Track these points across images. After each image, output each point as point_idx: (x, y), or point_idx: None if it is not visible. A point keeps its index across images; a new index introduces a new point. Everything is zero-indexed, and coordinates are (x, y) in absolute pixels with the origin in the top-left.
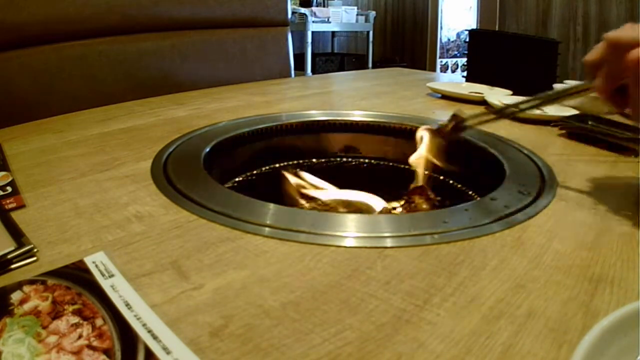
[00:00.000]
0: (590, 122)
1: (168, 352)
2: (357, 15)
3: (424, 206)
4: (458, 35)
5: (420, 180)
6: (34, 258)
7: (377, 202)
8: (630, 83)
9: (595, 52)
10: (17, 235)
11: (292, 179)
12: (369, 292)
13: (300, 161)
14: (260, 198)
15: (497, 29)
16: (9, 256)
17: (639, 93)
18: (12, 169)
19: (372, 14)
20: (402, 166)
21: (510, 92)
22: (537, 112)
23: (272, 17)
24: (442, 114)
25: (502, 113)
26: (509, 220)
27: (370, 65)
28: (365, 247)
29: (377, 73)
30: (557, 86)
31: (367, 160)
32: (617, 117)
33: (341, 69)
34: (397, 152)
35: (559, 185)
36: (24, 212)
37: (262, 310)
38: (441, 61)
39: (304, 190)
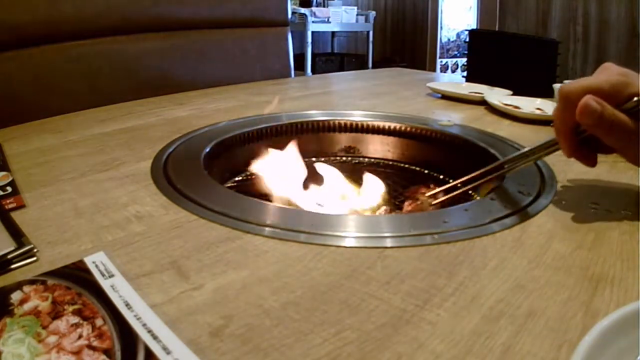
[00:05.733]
0: None
1: (168, 352)
2: (357, 15)
3: (430, 204)
4: (458, 35)
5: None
6: (34, 258)
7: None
8: (600, 135)
9: (555, 110)
10: (17, 235)
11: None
12: (369, 292)
13: None
14: (260, 198)
15: (497, 29)
16: (9, 256)
17: (615, 140)
18: (12, 169)
19: (372, 14)
20: (402, 166)
21: (510, 92)
22: (537, 112)
23: (272, 17)
24: (442, 114)
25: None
26: (509, 220)
27: (370, 65)
28: (365, 247)
29: (377, 73)
30: (557, 86)
31: (367, 160)
32: None
33: (341, 69)
34: (397, 152)
35: (559, 185)
36: (24, 212)
37: (262, 310)
38: (441, 61)
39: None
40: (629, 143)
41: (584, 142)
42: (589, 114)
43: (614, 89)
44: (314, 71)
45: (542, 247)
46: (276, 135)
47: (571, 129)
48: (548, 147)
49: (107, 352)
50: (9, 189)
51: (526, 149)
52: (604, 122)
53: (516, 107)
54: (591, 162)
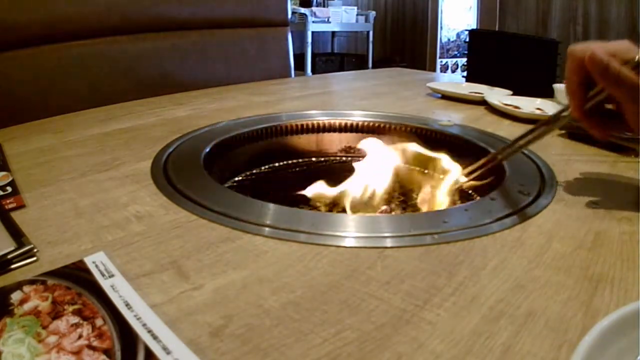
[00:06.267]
0: None
1: (168, 352)
2: (357, 15)
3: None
4: (458, 35)
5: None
6: (34, 258)
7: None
8: (607, 87)
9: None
10: (17, 235)
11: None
12: (369, 292)
13: (300, 161)
14: (260, 198)
15: (497, 29)
16: (9, 256)
17: (621, 93)
18: (12, 169)
19: (372, 14)
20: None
21: (510, 92)
22: (537, 112)
23: (272, 17)
24: (442, 114)
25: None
26: (509, 220)
27: (370, 65)
28: (365, 247)
29: (377, 73)
30: (557, 86)
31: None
32: None
33: (341, 69)
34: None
35: (559, 185)
36: (24, 212)
37: (262, 310)
38: (441, 61)
39: None
40: (633, 97)
41: (596, 113)
42: (597, 62)
43: (616, 50)
44: (314, 71)
45: (542, 247)
46: (276, 135)
47: (579, 85)
48: (560, 114)
49: (107, 352)
50: (9, 189)
51: (520, 135)
52: (610, 73)
53: (516, 107)
54: (600, 133)
